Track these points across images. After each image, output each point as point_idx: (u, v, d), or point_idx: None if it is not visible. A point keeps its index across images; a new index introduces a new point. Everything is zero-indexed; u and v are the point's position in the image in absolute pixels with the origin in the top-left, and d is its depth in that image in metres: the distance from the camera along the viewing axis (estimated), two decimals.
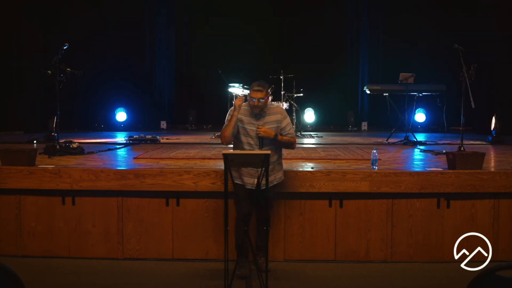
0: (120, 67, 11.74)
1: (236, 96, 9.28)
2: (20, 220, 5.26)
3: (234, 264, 4.54)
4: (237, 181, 4.60)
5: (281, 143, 4.67)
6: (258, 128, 4.54)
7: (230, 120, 4.55)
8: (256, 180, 4.49)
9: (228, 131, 4.54)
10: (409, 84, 8.79)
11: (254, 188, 4.54)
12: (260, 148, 4.53)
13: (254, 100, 4.55)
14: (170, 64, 12.70)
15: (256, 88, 4.56)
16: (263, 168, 4.25)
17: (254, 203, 4.57)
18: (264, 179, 4.29)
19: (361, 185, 5.11)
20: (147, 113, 12.37)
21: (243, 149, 4.59)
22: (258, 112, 4.59)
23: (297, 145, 8.14)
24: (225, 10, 12.10)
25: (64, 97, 6.79)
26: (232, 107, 4.67)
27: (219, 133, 9.50)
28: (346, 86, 12.52)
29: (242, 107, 4.67)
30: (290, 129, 4.72)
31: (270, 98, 9.44)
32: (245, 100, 4.77)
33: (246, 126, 4.59)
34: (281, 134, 4.64)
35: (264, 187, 4.35)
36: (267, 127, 4.57)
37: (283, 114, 4.72)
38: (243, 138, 4.60)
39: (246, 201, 4.58)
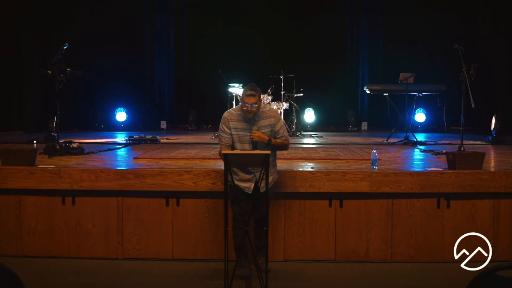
0: (120, 67, 11.74)
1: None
2: (20, 220, 5.26)
3: (234, 264, 4.54)
4: (235, 183, 4.59)
5: (274, 147, 4.67)
6: (252, 132, 4.53)
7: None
8: (252, 184, 4.50)
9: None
10: (409, 84, 8.78)
11: (250, 192, 4.54)
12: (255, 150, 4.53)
13: (247, 105, 4.50)
14: (170, 64, 12.70)
15: (249, 93, 4.50)
16: (262, 170, 4.25)
17: (252, 205, 4.57)
18: (263, 181, 4.30)
19: (361, 185, 5.11)
20: (147, 113, 12.37)
21: None
22: (251, 117, 4.56)
23: (297, 145, 8.20)
24: (225, 10, 12.12)
25: (64, 97, 6.80)
26: (224, 126, 4.64)
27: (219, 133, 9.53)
28: (346, 86, 12.52)
29: (234, 114, 4.66)
30: (284, 131, 4.72)
31: (270, 98, 9.49)
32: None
33: (240, 133, 4.59)
34: (274, 137, 4.64)
35: (264, 190, 4.36)
36: (261, 131, 4.57)
37: (276, 117, 4.70)
38: (238, 145, 4.59)
39: (243, 202, 4.58)
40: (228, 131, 4.60)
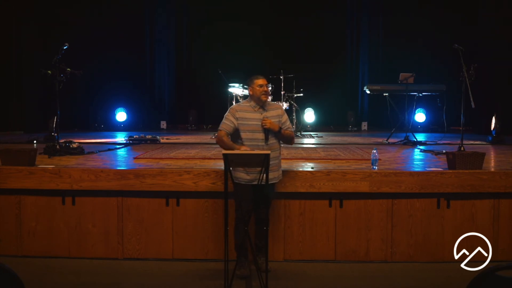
0: (120, 67, 11.74)
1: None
2: (20, 220, 5.26)
3: (234, 264, 4.54)
4: (239, 181, 4.60)
5: (283, 137, 4.75)
6: (264, 120, 4.59)
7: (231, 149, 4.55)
8: (259, 176, 4.50)
9: (225, 148, 4.60)
10: (409, 84, 8.78)
11: (262, 183, 4.50)
12: (266, 141, 4.59)
13: (263, 86, 4.66)
14: (170, 64, 12.70)
15: (261, 77, 4.72)
16: (263, 167, 4.27)
17: (255, 202, 4.57)
18: (271, 173, 4.41)
19: (361, 185, 5.11)
20: (147, 113, 12.37)
21: (249, 147, 4.59)
22: (266, 99, 4.70)
23: (297, 145, 8.20)
24: (225, 10, 12.11)
25: (64, 97, 6.80)
26: (230, 115, 4.67)
27: None
28: (346, 86, 12.52)
29: (243, 106, 4.75)
30: (289, 124, 4.86)
31: (270, 98, 9.49)
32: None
33: (250, 123, 4.63)
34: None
35: (271, 181, 4.55)
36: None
37: (282, 109, 4.85)
38: (249, 135, 4.61)
39: (246, 202, 4.59)
40: (234, 121, 4.63)
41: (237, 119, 4.63)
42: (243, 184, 4.61)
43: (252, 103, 4.70)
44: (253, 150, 4.52)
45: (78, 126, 11.58)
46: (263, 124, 4.58)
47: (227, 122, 4.65)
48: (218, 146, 8.15)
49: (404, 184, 5.11)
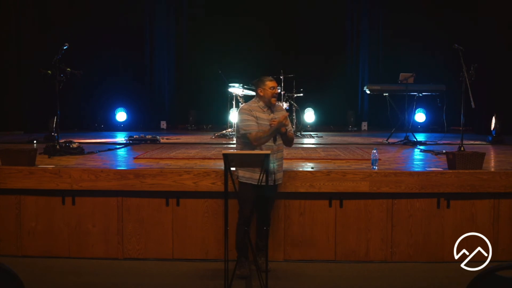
0: (120, 66, 11.74)
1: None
2: (20, 220, 5.26)
3: (234, 264, 4.54)
4: (247, 180, 4.60)
5: (287, 138, 4.79)
6: (273, 120, 4.61)
7: (272, 132, 4.56)
8: (262, 175, 4.51)
9: (267, 140, 4.58)
10: (409, 84, 8.78)
11: (263, 184, 4.50)
12: (274, 142, 4.64)
13: (275, 88, 4.71)
14: (170, 64, 12.69)
15: (271, 78, 4.78)
16: (267, 167, 4.28)
17: (258, 202, 4.56)
18: (272, 175, 4.46)
19: (361, 185, 5.11)
20: (147, 113, 12.36)
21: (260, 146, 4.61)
22: (275, 102, 4.75)
23: (297, 145, 8.20)
24: (225, 10, 12.12)
25: (64, 97, 6.79)
26: (248, 115, 4.64)
27: (219, 133, 9.55)
28: (346, 86, 12.52)
29: (253, 106, 4.74)
30: (291, 126, 4.90)
31: None
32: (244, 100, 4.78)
33: (261, 122, 4.64)
34: None
35: (277, 182, 4.63)
36: None
37: (285, 112, 4.93)
38: None
39: (250, 202, 4.58)
40: (254, 119, 4.62)
41: (255, 117, 4.63)
42: (248, 184, 4.61)
43: (261, 104, 4.71)
44: (262, 149, 4.56)
45: (78, 126, 11.57)
46: (271, 124, 4.60)
47: (251, 122, 4.59)
48: (218, 146, 8.16)
49: (404, 184, 5.11)
